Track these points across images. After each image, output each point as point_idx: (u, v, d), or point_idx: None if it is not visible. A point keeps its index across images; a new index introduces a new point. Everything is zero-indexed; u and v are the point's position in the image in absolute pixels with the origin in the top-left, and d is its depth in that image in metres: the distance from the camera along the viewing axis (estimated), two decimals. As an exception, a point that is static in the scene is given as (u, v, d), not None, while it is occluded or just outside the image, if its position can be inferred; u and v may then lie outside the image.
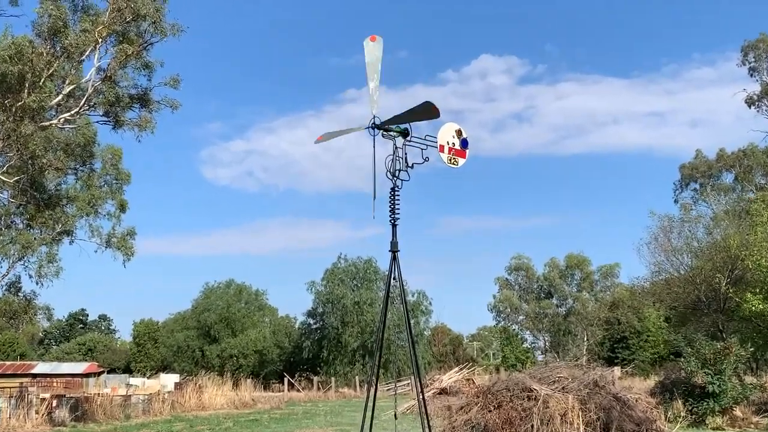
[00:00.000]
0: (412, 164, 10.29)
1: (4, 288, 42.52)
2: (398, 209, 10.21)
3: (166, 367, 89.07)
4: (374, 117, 10.12)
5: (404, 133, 10.33)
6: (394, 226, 10.17)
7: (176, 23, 33.28)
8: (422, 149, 10.43)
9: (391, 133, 10.22)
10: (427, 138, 10.53)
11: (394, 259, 10.05)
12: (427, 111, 9.70)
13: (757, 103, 70.91)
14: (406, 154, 10.29)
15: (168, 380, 60.76)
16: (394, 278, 10.02)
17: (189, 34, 33.82)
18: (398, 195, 10.22)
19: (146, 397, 40.90)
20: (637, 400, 20.92)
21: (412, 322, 11.54)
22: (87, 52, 32.25)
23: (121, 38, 32.92)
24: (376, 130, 10.08)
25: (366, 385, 9.67)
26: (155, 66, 34.85)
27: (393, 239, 10.12)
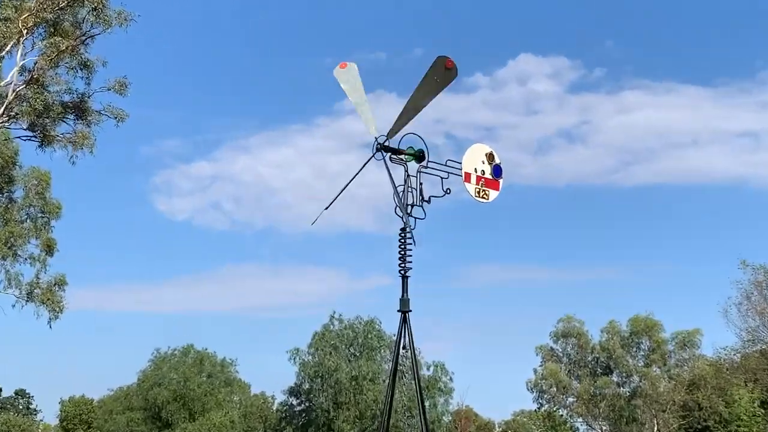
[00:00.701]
0: (429, 197, 10.28)
1: None
2: (410, 256, 10.15)
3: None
4: (376, 139, 10.22)
5: (419, 157, 10.36)
6: (404, 278, 10.12)
7: (123, 10, 32.58)
8: (442, 178, 10.44)
9: (402, 156, 10.24)
10: (449, 163, 10.53)
11: (405, 321, 10.00)
12: (440, 72, 9.67)
13: None
14: (421, 184, 10.32)
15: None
16: (404, 347, 9.89)
17: (141, 26, 33.54)
18: (410, 237, 10.16)
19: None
20: None
21: (427, 404, 11.37)
22: (8, 48, 31.90)
23: (52, 29, 32.28)
24: (383, 152, 10.15)
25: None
26: (96, 66, 33.86)
27: (403, 295, 10.05)
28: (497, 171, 10.94)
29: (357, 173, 10.14)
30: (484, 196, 10.69)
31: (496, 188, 10.92)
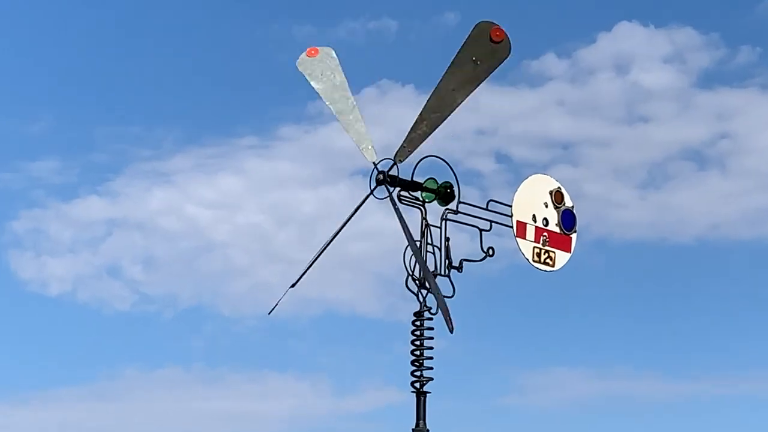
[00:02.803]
0: (461, 262, 7.43)
1: None
2: (430, 358, 7.30)
3: None
4: (376, 166, 7.40)
5: (444, 195, 7.46)
6: (421, 394, 7.32)
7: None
8: (482, 230, 7.49)
9: (420, 194, 7.45)
10: (492, 206, 7.62)
11: None
12: (483, 48, 7.05)
13: None
14: (448, 239, 7.38)
15: None
16: None
17: None
18: (431, 326, 7.30)
19: None
20: None
21: None
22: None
23: None
24: (388, 187, 7.33)
25: None
26: None
27: (418, 425, 7.30)
28: (568, 220, 7.89)
29: (346, 221, 7.43)
30: (548, 261, 7.72)
31: (567, 248, 7.87)
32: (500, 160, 28.36)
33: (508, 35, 7.09)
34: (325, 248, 7.45)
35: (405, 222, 7.04)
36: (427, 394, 7.20)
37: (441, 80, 7.24)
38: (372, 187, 7.20)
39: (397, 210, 7.08)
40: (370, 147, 7.42)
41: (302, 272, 7.57)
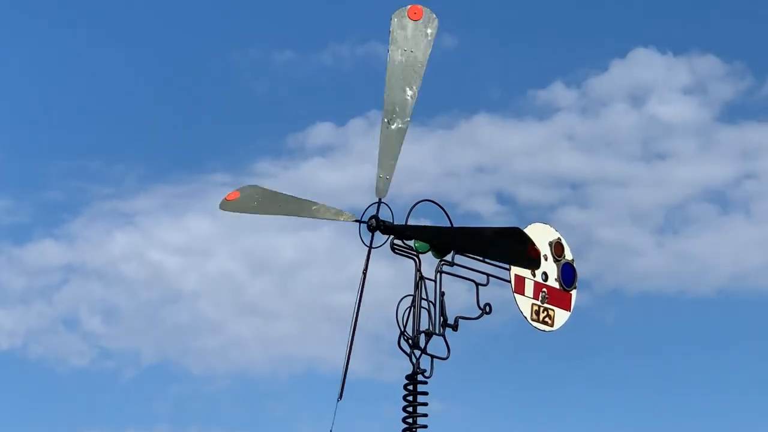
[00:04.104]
0: (457, 320, 6.89)
1: None
2: (423, 426, 6.74)
3: None
4: (380, 205, 6.85)
5: (439, 248, 6.95)
6: None
7: None
8: (478, 284, 6.99)
9: (412, 243, 6.91)
10: (489, 260, 7.06)
11: None
12: (510, 250, 6.52)
13: None
14: (443, 293, 6.86)
15: None
16: None
17: None
18: (425, 390, 6.78)
19: None
20: None
21: None
22: None
23: None
24: (378, 233, 6.82)
25: None
26: None
27: None
28: (568, 274, 7.37)
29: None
30: (547, 320, 7.21)
31: (567, 307, 7.34)
32: (502, 201, 26.09)
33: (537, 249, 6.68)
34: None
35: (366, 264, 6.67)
36: None
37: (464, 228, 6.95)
38: (361, 231, 6.76)
39: (368, 255, 6.64)
40: (388, 178, 6.85)
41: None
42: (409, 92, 6.91)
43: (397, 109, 6.86)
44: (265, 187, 7.64)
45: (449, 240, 6.78)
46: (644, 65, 28.94)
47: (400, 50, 7.06)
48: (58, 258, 28.08)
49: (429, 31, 7.11)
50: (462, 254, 6.90)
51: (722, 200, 27.94)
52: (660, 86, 28.68)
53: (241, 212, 7.66)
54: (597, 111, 27.96)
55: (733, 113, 28.04)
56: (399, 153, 6.77)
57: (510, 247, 6.48)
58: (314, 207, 7.18)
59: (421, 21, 7.10)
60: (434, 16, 7.17)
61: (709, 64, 28.94)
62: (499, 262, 6.90)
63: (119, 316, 28.12)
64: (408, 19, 7.14)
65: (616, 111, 28.08)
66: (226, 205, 7.71)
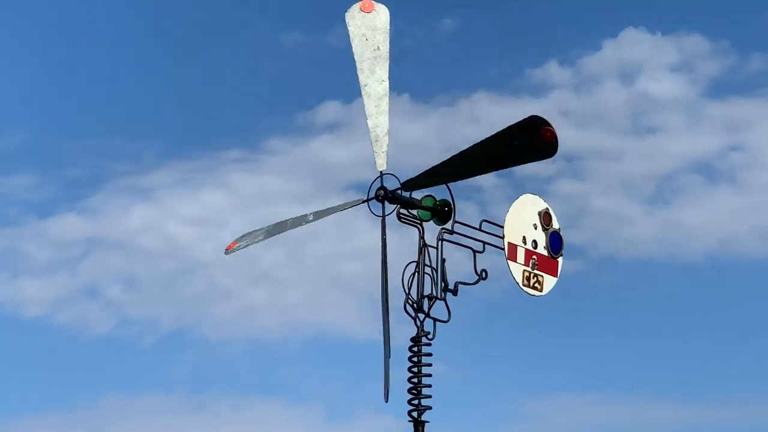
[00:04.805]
0: (456, 285, 7.07)
1: None
2: (428, 386, 6.96)
3: None
4: (382, 177, 7.06)
5: (441, 214, 7.16)
6: (419, 423, 6.93)
7: None
8: (476, 251, 7.19)
9: (416, 212, 7.12)
10: (486, 227, 7.28)
11: None
12: (527, 141, 6.34)
13: None
14: (443, 260, 7.05)
15: None
16: None
17: None
18: (429, 351, 7.00)
19: None
20: None
21: None
22: None
23: None
24: (386, 203, 7.00)
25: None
26: None
27: None
28: (556, 243, 7.59)
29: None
30: (536, 285, 7.42)
31: (554, 273, 7.55)
32: (501, 174, 28.69)
33: (554, 130, 6.53)
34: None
35: (384, 239, 6.85)
36: (426, 423, 6.90)
37: (472, 146, 6.94)
38: (371, 204, 6.95)
39: (383, 229, 6.84)
40: (383, 152, 7.03)
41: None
42: (381, 78, 7.19)
43: (372, 93, 7.08)
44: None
45: (464, 166, 6.93)
46: (634, 44, 30.74)
47: (357, 40, 7.30)
48: (80, 231, 29.26)
49: (382, 19, 7.37)
50: (479, 173, 7.10)
51: (709, 171, 29.91)
52: (649, 64, 30.11)
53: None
54: (590, 88, 28.86)
55: (719, 89, 29.18)
56: (386, 130, 7.01)
57: (522, 142, 6.57)
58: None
59: (372, 13, 7.31)
60: (384, 7, 7.41)
61: (695, 42, 30.67)
62: (519, 163, 6.98)
63: (139, 285, 29.46)
64: (361, 11, 7.40)
65: (608, 88, 29.32)
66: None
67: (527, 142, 6.43)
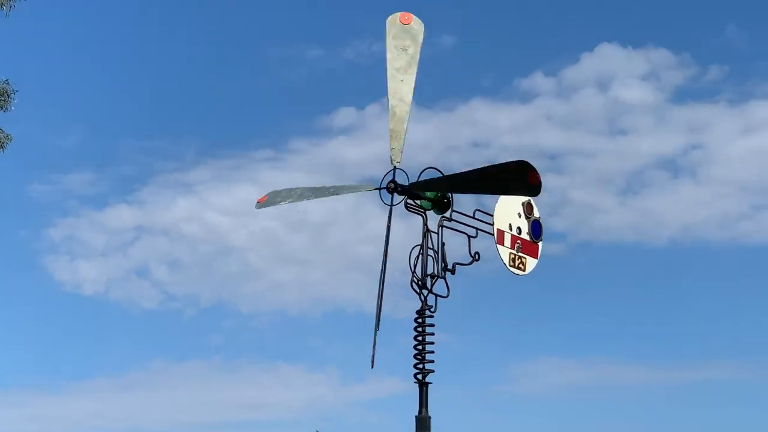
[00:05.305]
0: (454, 265, 7.90)
1: None
2: (432, 352, 7.75)
3: None
4: (395, 171, 7.75)
5: (441, 204, 7.97)
6: (423, 384, 7.75)
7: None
8: (469, 236, 8.03)
9: (421, 202, 7.90)
10: (478, 215, 8.11)
11: None
12: (516, 179, 7.15)
13: None
14: (443, 243, 7.88)
15: None
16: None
17: (33, 8, 26.70)
18: (432, 323, 7.76)
19: None
20: None
21: None
22: None
23: None
24: (395, 195, 7.73)
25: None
26: None
27: (421, 412, 7.71)
28: (536, 229, 8.50)
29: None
30: (520, 266, 8.30)
31: (535, 255, 8.46)
32: None
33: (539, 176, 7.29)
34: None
35: (389, 226, 7.54)
36: (429, 384, 7.69)
37: (472, 170, 7.65)
38: (382, 194, 7.65)
39: (389, 217, 7.56)
40: (399, 148, 7.69)
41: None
42: (409, 82, 7.84)
43: (397, 94, 7.81)
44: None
45: (462, 184, 7.60)
46: (609, 57, 37.03)
47: (393, 47, 7.97)
48: (131, 220, 34.98)
49: (417, 31, 8.01)
50: (473, 193, 7.87)
51: (673, 167, 34.49)
52: (622, 74, 34.69)
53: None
54: (570, 95, 33.98)
55: (682, 96, 34.33)
56: (405, 130, 7.77)
57: (512, 178, 7.28)
58: (331, 188, 8.07)
59: (410, 24, 8.00)
60: (420, 20, 8.08)
61: (661, 55, 35.27)
62: (507, 194, 7.75)
63: (181, 266, 35.34)
64: (400, 22, 8.07)
65: (586, 95, 34.01)
66: (262, 204, 8.69)
67: (516, 181, 7.25)
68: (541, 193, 7.08)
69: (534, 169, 6.96)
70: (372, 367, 7.06)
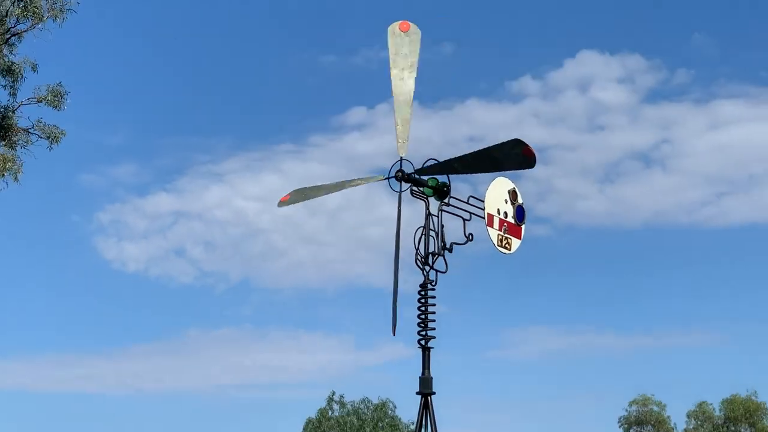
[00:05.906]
0: (451, 245, 8.69)
1: None
2: (433, 321, 8.49)
3: None
4: (401, 161, 8.49)
5: (441, 191, 8.72)
6: (426, 350, 8.49)
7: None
8: (464, 219, 8.86)
9: (423, 188, 8.68)
10: (472, 201, 8.95)
11: (426, 406, 8.41)
12: (513, 155, 7.99)
13: None
14: (442, 226, 8.70)
15: None
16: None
17: (82, 19, 26.76)
18: (433, 295, 8.56)
19: None
20: None
21: None
22: None
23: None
24: (403, 182, 8.55)
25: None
26: (23, 70, 26.30)
27: (424, 373, 8.43)
28: (520, 214, 9.32)
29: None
30: (506, 246, 9.10)
31: (519, 236, 9.28)
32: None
33: (533, 150, 8.19)
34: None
35: (399, 211, 8.43)
36: (431, 349, 8.46)
37: (470, 153, 8.41)
38: (391, 182, 8.51)
39: (399, 203, 8.44)
40: (405, 142, 8.48)
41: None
42: (409, 81, 8.70)
43: (401, 92, 8.66)
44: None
45: (464, 166, 8.37)
46: (588, 62, 46.82)
47: (395, 52, 8.79)
48: (169, 206, 47.64)
49: (414, 37, 8.83)
50: (475, 173, 8.61)
51: (645, 159, 47.87)
52: (600, 77, 46.26)
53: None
54: (555, 96, 45.18)
55: (653, 96, 46.90)
56: (409, 121, 8.55)
57: (510, 154, 8.06)
58: (346, 182, 8.84)
59: (409, 31, 8.84)
60: (417, 28, 8.86)
61: (635, 61, 46.50)
62: (506, 170, 8.45)
63: (214, 246, 49.30)
64: (399, 30, 8.88)
65: (569, 96, 44.88)
66: (284, 203, 9.25)
67: (514, 157, 8.15)
68: (533, 168, 8.09)
69: (527, 145, 7.90)
70: (393, 334, 7.90)
